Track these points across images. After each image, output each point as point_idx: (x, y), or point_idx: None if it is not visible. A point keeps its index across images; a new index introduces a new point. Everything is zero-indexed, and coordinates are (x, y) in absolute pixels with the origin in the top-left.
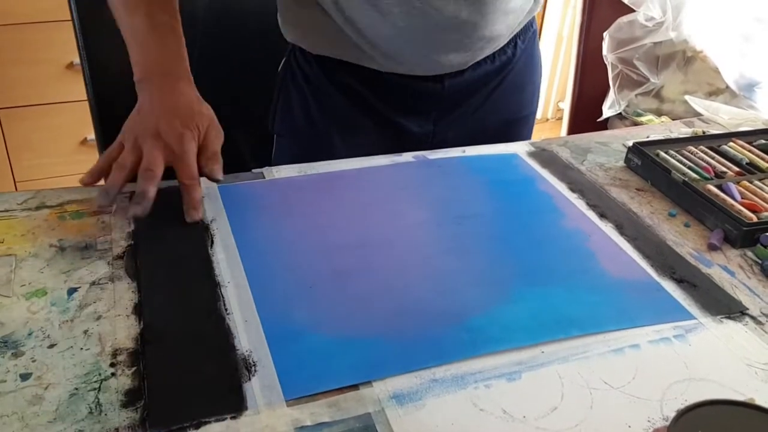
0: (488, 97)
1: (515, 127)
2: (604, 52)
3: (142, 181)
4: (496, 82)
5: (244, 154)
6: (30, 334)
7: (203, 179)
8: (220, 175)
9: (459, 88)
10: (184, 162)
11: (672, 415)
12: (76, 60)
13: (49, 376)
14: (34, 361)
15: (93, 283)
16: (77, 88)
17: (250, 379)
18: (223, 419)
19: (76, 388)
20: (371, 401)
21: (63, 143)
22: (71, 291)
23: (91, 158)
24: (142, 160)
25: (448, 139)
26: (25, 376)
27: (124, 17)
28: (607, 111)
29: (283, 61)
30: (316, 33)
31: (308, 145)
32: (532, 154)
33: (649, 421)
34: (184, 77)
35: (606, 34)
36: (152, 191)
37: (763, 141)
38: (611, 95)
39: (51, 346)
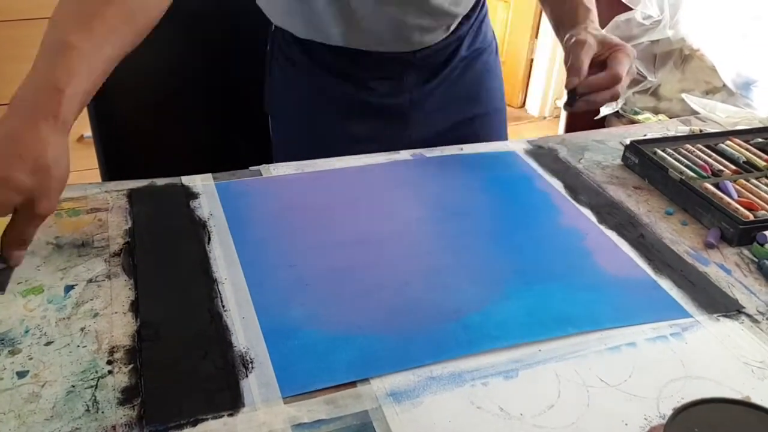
0: (456, 66)
1: (483, 96)
2: None
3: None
4: (461, 52)
5: (242, 151)
6: (27, 332)
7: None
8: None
9: (428, 59)
10: None
11: (669, 413)
12: None
13: (45, 373)
14: (30, 359)
15: (90, 281)
16: None
17: (247, 376)
18: (220, 416)
19: (73, 386)
20: (368, 399)
21: None
22: (68, 288)
23: (88, 155)
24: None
25: (426, 108)
26: (21, 374)
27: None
28: (605, 109)
29: (269, 42)
30: (296, 17)
31: (299, 124)
32: (529, 152)
33: (645, 418)
34: (49, 117)
35: None
36: None
37: (760, 139)
38: None
39: (48, 343)
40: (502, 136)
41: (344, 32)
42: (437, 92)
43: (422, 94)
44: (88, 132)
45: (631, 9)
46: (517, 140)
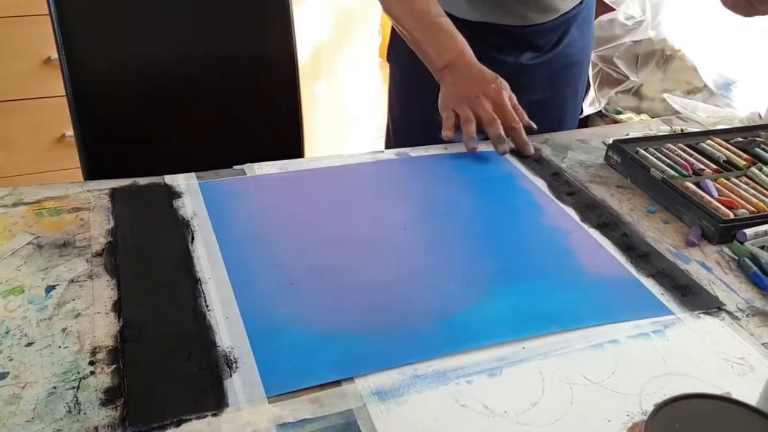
0: (560, 41)
1: (578, 67)
2: None
3: (492, 127)
4: (564, 30)
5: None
6: (7, 333)
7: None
8: (533, 124)
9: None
10: (508, 111)
11: (650, 409)
12: (54, 55)
13: (26, 375)
14: (11, 360)
15: (71, 281)
16: (55, 84)
17: (231, 376)
18: (204, 416)
19: (55, 387)
20: (353, 397)
21: (40, 139)
22: (49, 289)
23: (70, 154)
24: (482, 115)
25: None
26: (2, 375)
27: (412, 25)
28: (588, 109)
29: None
30: None
31: (419, 73)
32: (513, 152)
33: (628, 415)
34: (473, 56)
35: None
36: (503, 132)
37: (740, 139)
38: (591, 93)
39: (28, 344)
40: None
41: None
42: (543, 68)
43: (532, 68)
44: (69, 131)
45: (613, 9)
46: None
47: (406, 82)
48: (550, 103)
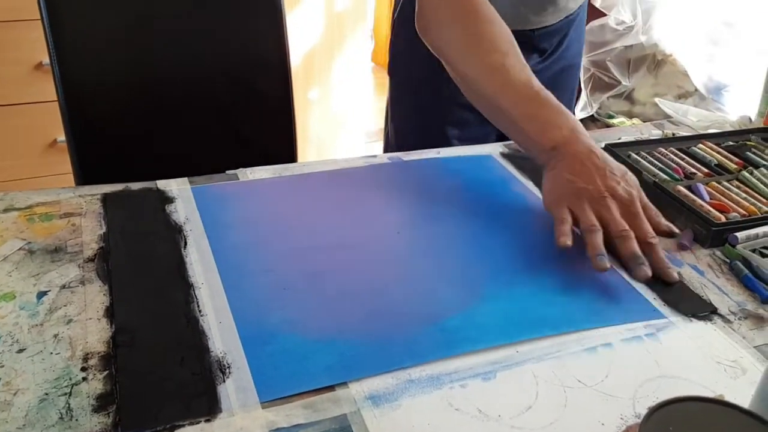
0: (560, 44)
1: (574, 70)
2: None
3: (627, 244)
4: (565, 32)
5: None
6: None
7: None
8: (674, 228)
9: (544, 36)
10: (642, 221)
11: (644, 412)
12: (45, 60)
13: (18, 381)
14: (2, 367)
15: (63, 287)
16: (46, 89)
17: (224, 381)
18: (197, 422)
19: (46, 394)
20: (347, 402)
21: (32, 145)
22: (41, 294)
23: (61, 159)
24: (611, 224)
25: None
26: None
27: (509, 100)
28: (580, 113)
29: (399, 7)
30: None
31: (417, 85)
32: (505, 156)
33: (621, 418)
34: (587, 134)
35: None
36: (638, 251)
37: (731, 143)
38: (583, 97)
39: (20, 350)
40: None
41: None
42: (545, 71)
43: (536, 73)
44: (61, 136)
45: (605, 14)
46: (493, 143)
47: (406, 94)
48: None
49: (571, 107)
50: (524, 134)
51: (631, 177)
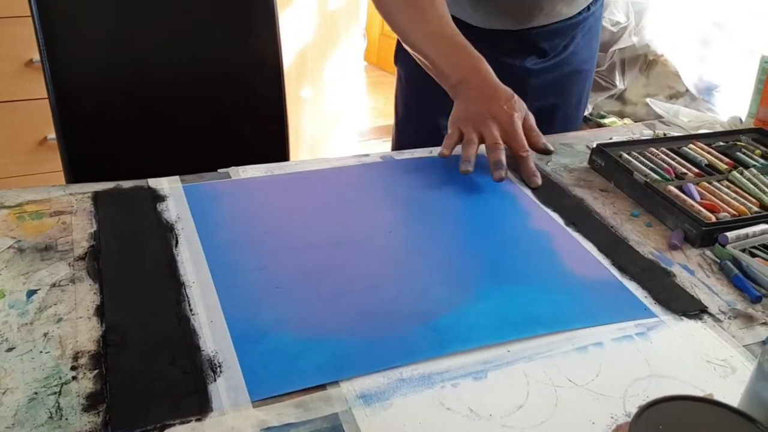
0: (566, 47)
1: (583, 76)
2: None
3: (493, 153)
4: (571, 36)
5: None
6: None
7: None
8: (550, 147)
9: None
10: (517, 136)
11: (634, 411)
12: (36, 57)
13: (7, 380)
14: None
15: (53, 285)
16: (36, 86)
17: (215, 380)
18: (188, 421)
19: (36, 393)
20: (338, 401)
21: (22, 142)
22: (30, 293)
23: (52, 157)
24: (486, 138)
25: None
26: None
27: (421, 42)
28: None
29: None
30: None
31: (424, 81)
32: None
33: (612, 417)
34: (489, 71)
35: None
36: (504, 159)
37: (722, 143)
38: None
39: (9, 349)
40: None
41: (474, 6)
42: (548, 73)
43: (537, 73)
44: (52, 134)
45: None
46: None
47: (410, 84)
48: (556, 111)
49: (578, 113)
50: (438, 71)
51: (517, 102)
